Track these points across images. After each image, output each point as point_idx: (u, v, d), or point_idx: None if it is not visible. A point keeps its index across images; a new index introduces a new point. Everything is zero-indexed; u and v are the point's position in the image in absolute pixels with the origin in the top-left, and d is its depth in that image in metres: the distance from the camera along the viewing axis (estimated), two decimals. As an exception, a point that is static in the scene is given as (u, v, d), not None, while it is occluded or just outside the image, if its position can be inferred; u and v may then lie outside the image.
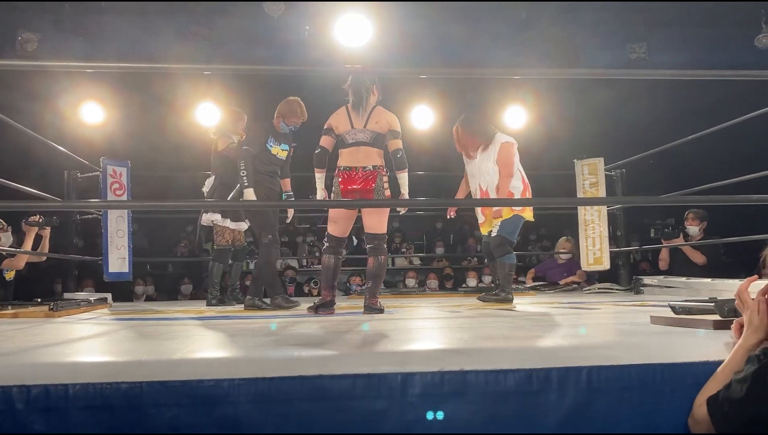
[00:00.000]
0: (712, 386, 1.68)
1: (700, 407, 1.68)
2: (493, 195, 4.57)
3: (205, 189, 5.31)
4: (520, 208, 4.61)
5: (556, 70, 4.92)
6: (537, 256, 9.29)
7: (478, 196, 4.65)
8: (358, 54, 6.30)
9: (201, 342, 2.30)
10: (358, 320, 3.30)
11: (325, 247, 4.02)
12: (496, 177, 4.59)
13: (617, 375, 1.72)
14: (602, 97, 7.16)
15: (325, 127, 4.07)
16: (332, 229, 4.00)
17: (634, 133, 7.48)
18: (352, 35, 6.21)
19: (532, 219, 4.76)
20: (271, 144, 4.72)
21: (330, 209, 4.15)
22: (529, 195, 4.71)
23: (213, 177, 5.28)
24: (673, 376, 1.73)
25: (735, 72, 3.27)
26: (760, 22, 6.37)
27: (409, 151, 4.06)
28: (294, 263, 8.55)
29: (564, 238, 7.23)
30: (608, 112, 7.71)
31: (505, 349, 1.89)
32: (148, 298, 7.51)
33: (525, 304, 4.59)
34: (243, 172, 4.55)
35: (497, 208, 4.55)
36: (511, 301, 4.55)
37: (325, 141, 4.04)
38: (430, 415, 1.66)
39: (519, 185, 4.63)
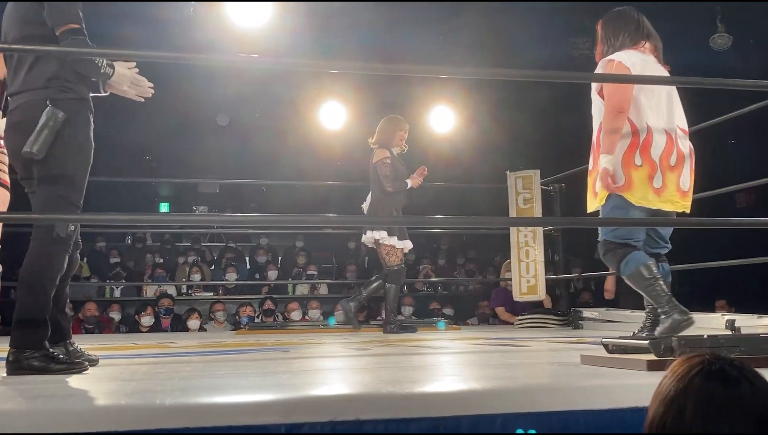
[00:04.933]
0: None
1: None
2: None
3: (365, 205, 5.68)
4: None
5: (488, 69, 5.03)
6: (465, 284, 9.46)
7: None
8: (256, 37, 6.30)
9: (52, 385, 2.25)
10: (235, 360, 3.30)
11: None
12: (600, 116, 3.47)
13: (536, 424, 1.81)
14: (541, 99, 7.40)
15: None
16: None
17: (577, 142, 7.75)
18: (248, 14, 6.21)
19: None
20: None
21: None
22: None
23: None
24: (599, 424, 1.84)
25: (689, 79, 3.42)
26: (716, 20, 6.77)
27: (318, 156, 4.08)
28: (172, 290, 8.38)
29: (509, 260, 7.34)
30: (548, 116, 7.98)
31: (411, 394, 1.95)
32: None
33: (446, 339, 4.70)
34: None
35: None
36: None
37: None
38: (319, 473, 1.69)
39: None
